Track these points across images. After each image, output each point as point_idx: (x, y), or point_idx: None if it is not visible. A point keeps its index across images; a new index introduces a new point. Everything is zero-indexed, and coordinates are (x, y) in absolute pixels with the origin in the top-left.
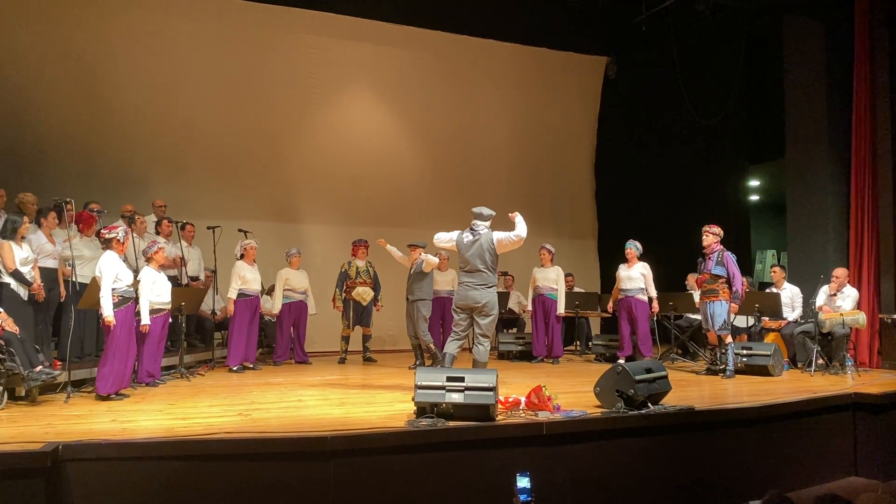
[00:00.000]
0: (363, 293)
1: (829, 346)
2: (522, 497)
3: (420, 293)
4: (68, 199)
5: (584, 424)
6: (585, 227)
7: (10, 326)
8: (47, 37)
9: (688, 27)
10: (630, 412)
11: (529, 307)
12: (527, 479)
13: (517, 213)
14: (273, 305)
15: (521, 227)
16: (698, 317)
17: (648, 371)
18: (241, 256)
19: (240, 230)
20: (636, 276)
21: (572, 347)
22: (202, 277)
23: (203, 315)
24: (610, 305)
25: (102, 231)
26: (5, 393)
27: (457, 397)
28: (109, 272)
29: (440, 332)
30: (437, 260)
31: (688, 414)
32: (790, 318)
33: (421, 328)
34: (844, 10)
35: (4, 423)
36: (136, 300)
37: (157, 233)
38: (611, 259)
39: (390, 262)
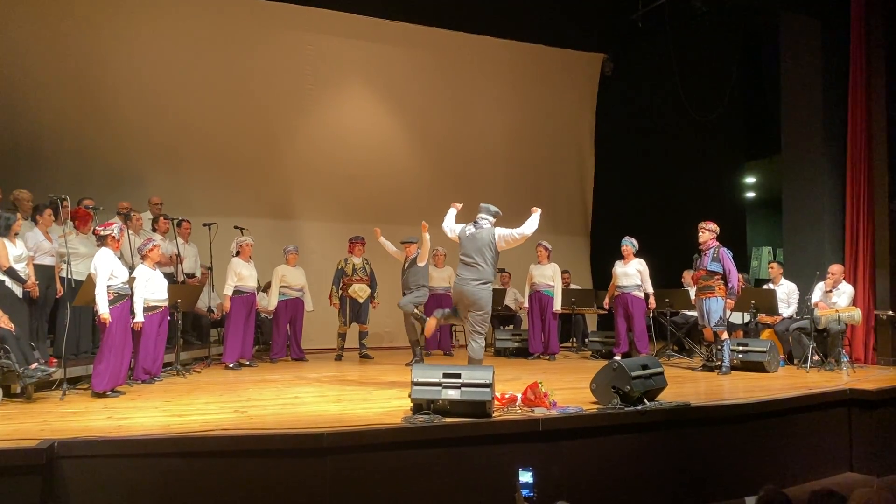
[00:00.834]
0: (360, 290)
1: (825, 342)
2: (525, 492)
3: (415, 285)
4: (64, 196)
5: (580, 421)
6: (580, 224)
7: (5, 323)
8: (43, 34)
9: (684, 24)
10: (626, 408)
11: (526, 304)
12: (529, 473)
13: (538, 209)
14: (269, 302)
15: (528, 226)
16: (694, 313)
17: (644, 367)
18: (238, 253)
19: (236, 227)
20: (632, 273)
21: (569, 344)
22: (198, 274)
23: (199, 312)
24: (606, 302)
25: (98, 228)
26: (0, 390)
27: (453, 394)
28: (104, 269)
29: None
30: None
31: (684, 410)
32: (786, 315)
33: (404, 300)
34: (840, 6)
35: (0, 420)
36: (132, 297)
37: (154, 230)
38: (603, 255)
39: (387, 260)
